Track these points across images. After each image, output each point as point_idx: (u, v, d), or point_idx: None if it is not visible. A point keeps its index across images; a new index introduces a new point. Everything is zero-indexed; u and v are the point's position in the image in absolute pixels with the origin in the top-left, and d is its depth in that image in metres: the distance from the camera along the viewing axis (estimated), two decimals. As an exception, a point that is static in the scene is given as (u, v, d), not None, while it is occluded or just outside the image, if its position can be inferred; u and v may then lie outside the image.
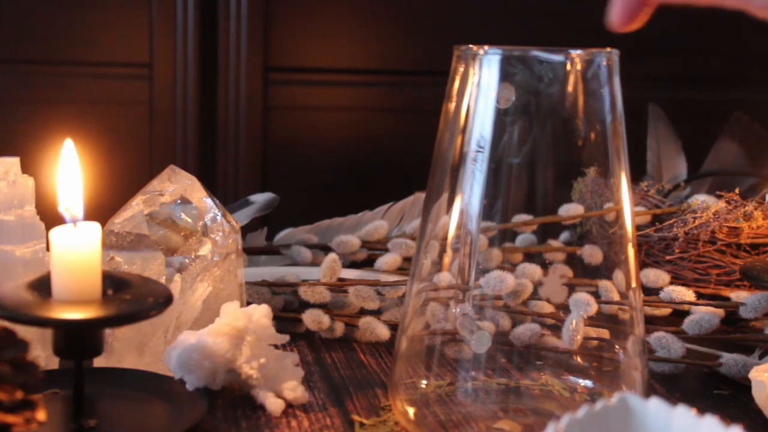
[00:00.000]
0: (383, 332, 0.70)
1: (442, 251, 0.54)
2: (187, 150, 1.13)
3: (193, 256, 0.62)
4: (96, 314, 0.48)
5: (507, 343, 0.62)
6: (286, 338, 0.59)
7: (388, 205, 0.92)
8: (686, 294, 0.71)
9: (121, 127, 1.12)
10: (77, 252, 0.49)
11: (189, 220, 0.63)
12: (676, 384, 0.65)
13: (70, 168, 0.53)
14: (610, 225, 0.55)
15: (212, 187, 0.94)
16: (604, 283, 0.55)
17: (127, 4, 1.10)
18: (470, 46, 0.52)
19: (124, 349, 0.61)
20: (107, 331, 0.59)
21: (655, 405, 0.41)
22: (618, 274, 0.55)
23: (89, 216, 0.52)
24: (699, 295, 0.73)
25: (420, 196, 0.91)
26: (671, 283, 0.76)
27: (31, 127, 1.09)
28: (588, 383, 0.58)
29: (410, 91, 1.17)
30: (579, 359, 0.59)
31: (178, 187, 0.64)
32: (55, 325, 0.49)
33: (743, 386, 0.62)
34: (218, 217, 0.63)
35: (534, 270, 0.64)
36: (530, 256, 0.70)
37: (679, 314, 0.71)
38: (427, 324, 0.57)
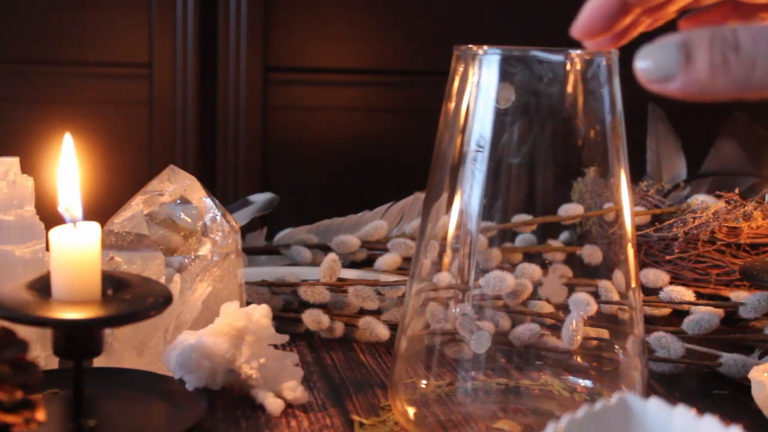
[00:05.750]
0: (383, 332, 0.70)
1: (442, 251, 0.54)
2: (187, 150, 1.13)
3: (192, 256, 0.62)
4: (96, 314, 0.48)
5: (507, 343, 0.62)
6: (285, 338, 0.59)
7: (387, 205, 0.92)
8: (686, 294, 0.71)
9: (121, 127, 1.12)
10: (77, 252, 0.49)
11: (189, 220, 0.63)
12: (675, 384, 0.65)
13: (69, 163, 0.53)
14: (609, 225, 0.55)
15: (212, 187, 0.94)
16: (603, 283, 0.55)
17: (127, 4, 1.10)
18: (470, 46, 0.52)
19: (123, 349, 0.61)
20: (107, 331, 0.59)
21: (655, 405, 0.41)
22: (618, 274, 0.55)
23: (89, 216, 0.52)
24: (699, 295, 0.73)
25: (420, 196, 0.91)
26: (671, 283, 0.76)
27: (30, 127, 1.09)
28: (588, 383, 0.58)
29: (410, 91, 1.17)
30: (579, 359, 0.59)
31: (177, 187, 0.64)
32: (55, 325, 0.49)
33: (743, 386, 0.62)
34: (218, 217, 0.63)
35: (534, 270, 0.64)
36: (530, 256, 0.70)
37: (679, 314, 0.71)
38: (427, 324, 0.57)
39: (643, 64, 0.39)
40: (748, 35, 0.37)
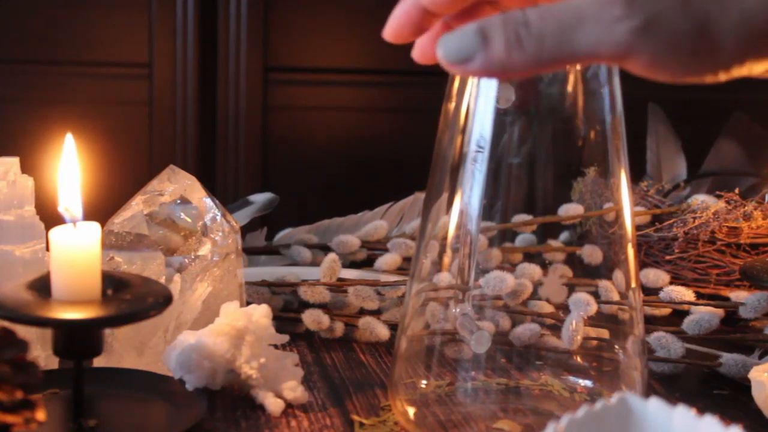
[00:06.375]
0: (383, 332, 0.70)
1: (442, 251, 0.54)
2: (187, 150, 1.13)
3: (192, 256, 0.62)
4: (96, 314, 0.48)
5: (507, 343, 0.62)
6: (285, 338, 0.59)
7: (387, 205, 0.92)
8: (686, 294, 0.71)
9: (121, 127, 1.13)
10: (77, 252, 0.49)
11: (189, 220, 0.63)
12: (675, 384, 0.65)
13: (70, 164, 0.53)
14: (609, 225, 0.55)
15: (212, 187, 0.94)
16: (603, 283, 0.55)
17: (127, 4, 1.10)
18: (470, 46, 0.52)
19: (124, 349, 0.61)
20: (107, 331, 0.59)
21: (655, 405, 0.41)
22: (618, 274, 0.55)
23: (89, 216, 0.52)
24: (699, 295, 0.73)
25: (420, 196, 0.91)
26: (671, 283, 0.76)
27: (30, 127, 1.09)
28: (588, 383, 0.58)
29: (410, 91, 1.17)
30: (579, 359, 0.59)
31: (177, 187, 0.64)
32: (55, 325, 0.49)
33: (743, 386, 0.62)
34: (218, 217, 0.63)
35: (534, 270, 0.64)
36: (530, 256, 0.70)
37: (679, 314, 0.71)
38: (427, 324, 0.57)
39: (443, 50, 0.42)
40: (536, 13, 0.40)
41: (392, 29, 0.48)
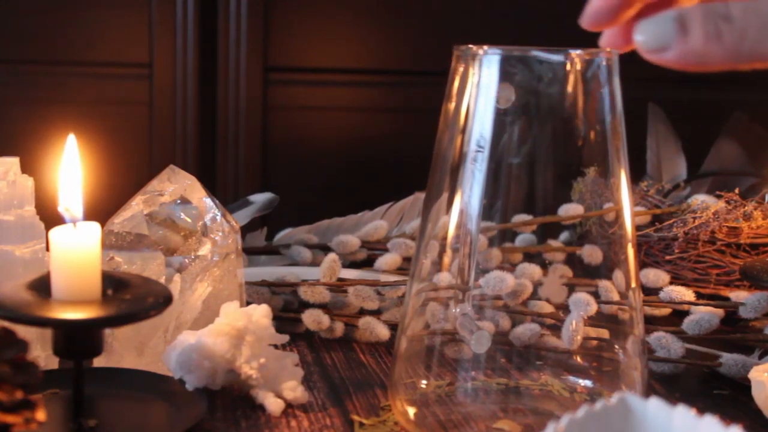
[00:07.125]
0: (383, 332, 0.70)
1: (442, 251, 0.54)
2: (187, 150, 1.13)
3: (192, 256, 0.62)
4: (96, 314, 0.48)
5: (507, 343, 0.62)
6: (285, 338, 0.59)
7: (388, 205, 0.92)
8: (686, 294, 0.71)
9: (121, 127, 1.12)
10: (77, 252, 0.49)
11: (189, 220, 0.63)
12: (675, 384, 0.65)
13: (71, 165, 0.53)
14: (609, 225, 0.55)
15: (212, 187, 0.94)
16: (603, 283, 0.55)
17: (127, 4, 1.10)
18: (470, 46, 0.52)
19: (124, 349, 0.61)
20: (107, 331, 0.59)
21: (655, 405, 0.41)
22: (618, 274, 0.55)
23: (89, 216, 0.52)
24: (699, 295, 0.73)
25: (420, 196, 0.91)
26: (671, 283, 0.76)
27: (30, 127, 1.09)
28: (588, 383, 0.58)
29: (410, 91, 1.17)
30: (579, 359, 0.59)
31: (177, 187, 0.64)
32: (55, 325, 0.49)
33: (743, 386, 0.62)
34: (218, 217, 0.63)
35: (534, 270, 0.64)
36: (530, 256, 0.70)
37: (679, 314, 0.71)
38: (427, 324, 0.57)
39: (641, 36, 0.42)
40: (738, 8, 0.40)
41: (590, 16, 0.47)
